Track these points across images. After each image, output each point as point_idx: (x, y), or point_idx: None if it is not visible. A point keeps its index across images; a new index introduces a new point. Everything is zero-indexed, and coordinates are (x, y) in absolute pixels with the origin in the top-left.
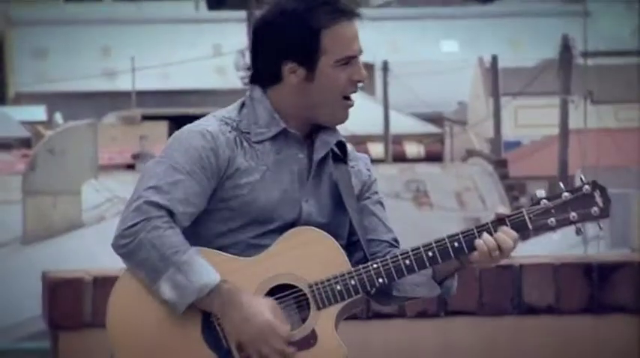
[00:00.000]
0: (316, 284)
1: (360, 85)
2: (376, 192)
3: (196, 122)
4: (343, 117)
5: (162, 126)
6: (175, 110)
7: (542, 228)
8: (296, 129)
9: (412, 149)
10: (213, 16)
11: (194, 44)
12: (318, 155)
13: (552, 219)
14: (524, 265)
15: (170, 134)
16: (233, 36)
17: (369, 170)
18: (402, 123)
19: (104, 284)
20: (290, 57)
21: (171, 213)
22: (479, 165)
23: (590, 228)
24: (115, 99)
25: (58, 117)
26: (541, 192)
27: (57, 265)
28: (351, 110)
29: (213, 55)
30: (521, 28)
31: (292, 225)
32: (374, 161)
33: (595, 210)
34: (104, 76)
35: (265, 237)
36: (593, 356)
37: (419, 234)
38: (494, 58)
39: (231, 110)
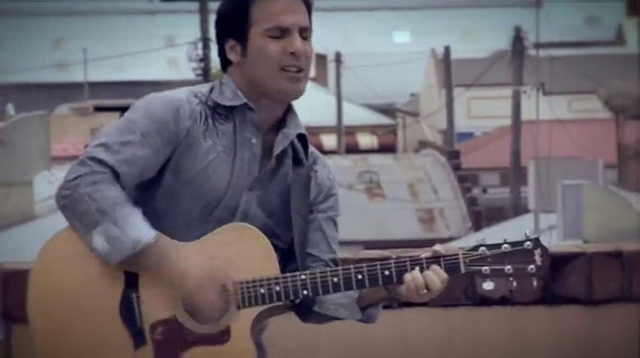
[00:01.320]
0: (241, 283)
1: (297, 63)
2: (333, 208)
3: (168, 91)
4: (290, 90)
5: (115, 117)
6: (128, 101)
7: (474, 274)
8: (264, 114)
9: (365, 140)
10: (166, 8)
11: (147, 36)
12: (277, 148)
13: (487, 268)
14: None
15: None
16: (186, 27)
17: (330, 180)
18: (355, 115)
19: None
20: (227, 34)
21: (115, 173)
22: (431, 156)
23: (543, 219)
24: (68, 91)
25: (10, 108)
26: (482, 239)
27: (10, 256)
28: (304, 101)
29: (166, 46)
30: (474, 19)
31: (233, 211)
32: (327, 152)
33: (531, 267)
34: (57, 68)
35: (208, 222)
36: (546, 346)
37: (372, 224)
38: (447, 49)
39: (203, 86)
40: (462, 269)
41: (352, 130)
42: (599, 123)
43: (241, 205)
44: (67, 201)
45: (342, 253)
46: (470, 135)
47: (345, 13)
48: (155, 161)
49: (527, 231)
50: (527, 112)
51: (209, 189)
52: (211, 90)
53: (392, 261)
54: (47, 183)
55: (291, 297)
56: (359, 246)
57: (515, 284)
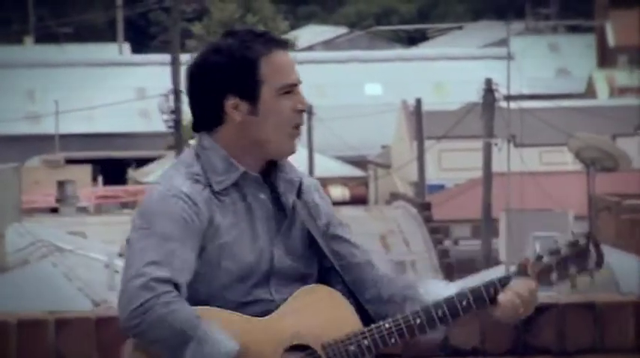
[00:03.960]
0: (330, 345)
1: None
2: (333, 215)
3: (163, 184)
4: (292, 148)
5: (86, 169)
6: (99, 153)
7: (544, 284)
8: (253, 171)
9: (337, 192)
10: (136, 60)
11: (118, 87)
12: (288, 198)
13: (554, 276)
14: None
15: (94, 177)
16: (157, 79)
17: (322, 198)
18: (327, 167)
19: (29, 327)
20: (231, 92)
21: (176, 285)
22: (403, 208)
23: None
24: (40, 143)
25: None
26: (539, 248)
27: None
28: None
29: (137, 98)
30: (445, 71)
31: (267, 274)
32: None
33: (591, 262)
34: (28, 120)
35: (248, 295)
36: None
37: None
38: (418, 102)
39: (190, 162)
40: (535, 283)
41: (324, 182)
42: (570, 175)
43: (275, 263)
44: (140, 329)
45: None
46: (441, 187)
47: (317, 66)
48: (195, 260)
49: (573, 230)
50: (498, 164)
51: (240, 263)
52: (197, 158)
53: (467, 290)
54: (18, 235)
55: (381, 347)
56: None
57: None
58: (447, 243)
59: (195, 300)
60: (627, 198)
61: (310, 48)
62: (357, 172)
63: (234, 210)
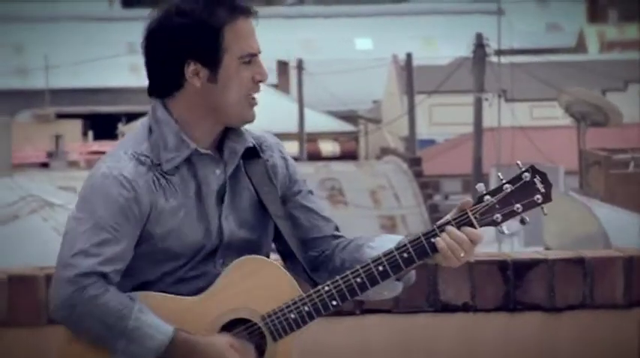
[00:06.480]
0: (269, 315)
1: (261, 84)
2: (299, 182)
3: (108, 162)
4: (250, 117)
5: (77, 124)
6: (89, 108)
7: (489, 225)
8: (205, 144)
9: (327, 147)
10: (126, 14)
11: (108, 42)
12: (229, 168)
13: (498, 215)
14: None
15: (84, 132)
16: None
17: (284, 158)
18: (317, 122)
19: (20, 282)
20: (192, 58)
21: (104, 275)
22: (393, 163)
23: (505, 226)
24: (29, 98)
25: None
26: (481, 187)
27: None
28: (266, 108)
29: (127, 53)
30: (436, 26)
31: (215, 248)
32: None
33: (538, 196)
34: (17, 74)
35: (193, 270)
36: (507, 353)
37: None
38: (409, 56)
39: (140, 140)
40: (476, 225)
41: (314, 137)
42: (560, 130)
43: (225, 239)
44: (69, 320)
45: None
46: (431, 142)
47: (307, 20)
48: (132, 248)
49: (518, 162)
50: (488, 119)
51: (190, 244)
52: (149, 134)
53: (406, 242)
54: (9, 189)
55: (322, 312)
56: None
57: (527, 219)
58: (437, 197)
59: (135, 281)
60: (617, 152)
61: (301, 2)
62: (347, 127)
63: (183, 189)
